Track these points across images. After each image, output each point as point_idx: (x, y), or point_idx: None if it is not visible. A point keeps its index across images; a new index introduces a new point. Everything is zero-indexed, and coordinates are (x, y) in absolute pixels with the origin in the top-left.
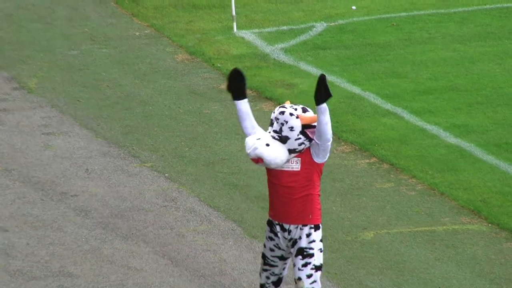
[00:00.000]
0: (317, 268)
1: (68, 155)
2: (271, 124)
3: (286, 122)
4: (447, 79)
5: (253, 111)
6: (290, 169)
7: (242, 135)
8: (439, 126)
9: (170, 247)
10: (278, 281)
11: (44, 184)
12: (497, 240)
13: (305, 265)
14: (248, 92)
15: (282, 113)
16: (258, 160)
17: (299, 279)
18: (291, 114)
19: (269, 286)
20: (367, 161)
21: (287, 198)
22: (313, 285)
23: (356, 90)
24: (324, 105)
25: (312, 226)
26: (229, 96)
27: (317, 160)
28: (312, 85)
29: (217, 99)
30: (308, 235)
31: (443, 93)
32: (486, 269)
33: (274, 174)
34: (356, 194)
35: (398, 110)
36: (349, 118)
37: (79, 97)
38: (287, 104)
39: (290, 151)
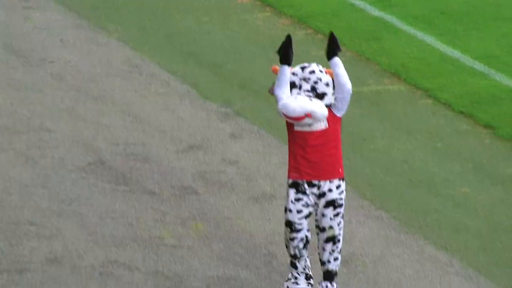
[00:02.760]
0: (343, 216)
1: (45, 26)
2: (296, 87)
3: (320, 79)
4: None
5: None
6: (319, 129)
7: (198, 10)
8: (365, 1)
9: (134, 106)
10: (306, 243)
11: (25, 52)
12: (414, 99)
13: (336, 215)
14: None
15: (313, 72)
16: (307, 115)
17: (331, 227)
18: (321, 71)
19: (301, 254)
20: (304, 32)
21: (319, 156)
22: (340, 231)
23: None
24: (337, 59)
25: (341, 178)
26: None
27: (339, 113)
28: None
29: None
30: (338, 187)
31: None
32: (404, 123)
33: (302, 136)
34: (295, 60)
35: None
36: None
37: None
38: (307, 64)
39: (326, 106)
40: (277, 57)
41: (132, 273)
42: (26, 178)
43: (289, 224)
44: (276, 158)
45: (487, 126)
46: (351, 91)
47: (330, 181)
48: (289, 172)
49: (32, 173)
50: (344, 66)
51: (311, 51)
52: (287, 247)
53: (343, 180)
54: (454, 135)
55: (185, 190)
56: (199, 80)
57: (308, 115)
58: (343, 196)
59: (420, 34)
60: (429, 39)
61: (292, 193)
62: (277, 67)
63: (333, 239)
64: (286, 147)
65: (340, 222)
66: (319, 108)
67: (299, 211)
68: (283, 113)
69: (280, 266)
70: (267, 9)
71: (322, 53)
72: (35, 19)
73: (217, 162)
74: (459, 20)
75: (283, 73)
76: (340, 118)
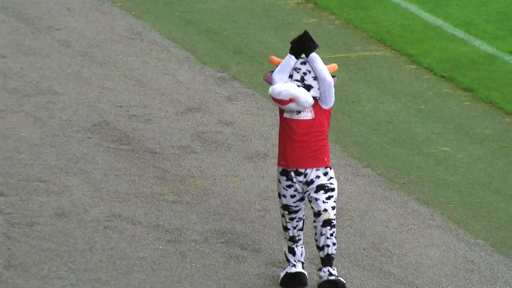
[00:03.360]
0: (335, 201)
1: None
2: (290, 76)
3: (309, 71)
4: None
5: None
6: (305, 118)
7: None
8: None
9: (137, 71)
10: (302, 225)
11: (34, 19)
12: (398, 63)
13: (328, 198)
14: None
15: (304, 63)
16: (290, 100)
17: (325, 210)
18: None
19: (299, 235)
20: (296, 1)
21: (304, 145)
22: (334, 216)
23: None
24: (314, 54)
25: (327, 166)
26: None
27: (325, 106)
28: None
29: None
30: (326, 174)
31: None
32: (389, 86)
33: (292, 125)
34: (287, 28)
35: None
36: None
37: None
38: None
39: (313, 98)
40: (272, 28)
41: (135, 227)
42: (35, 137)
43: (286, 208)
44: (270, 119)
45: (467, 89)
46: (332, 84)
47: (316, 169)
48: (278, 159)
49: (41, 133)
50: (334, 33)
51: (302, 19)
52: (285, 229)
53: (330, 168)
54: (436, 97)
55: (184, 149)
56: (197, 47)
57: (292, 99)
58: (333, 181)
59: (404, 3)
60: (413, 7)
61: (283, 180)
62: (274, 57)
63: (329, 223)
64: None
65: (334, 206)
66: (303, 94)
67: (292, 196)
68: (271, 96)
69: (273, 220)
70: None
71: (313, 20)
72: None
73: (214, 123)
74: None
75: (289, 62)
76: (326, 111)
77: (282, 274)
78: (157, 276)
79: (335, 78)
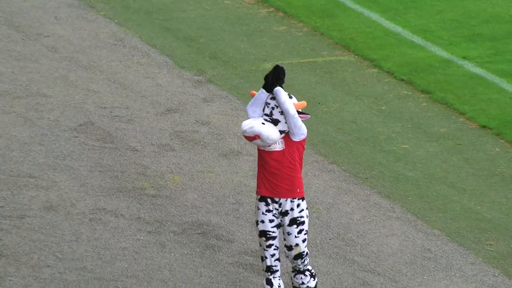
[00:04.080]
0: (307, 232)
1: (41, 6)
2: (263, 110)
3: (277, 106)
4: None
5: None
6: (276, 149)
7: None
8: None
9: (119, 75)
10: (279, 255)
11: (24, 27)
12: (361, 68)
13: (299, 232)
14: None
15: (273, 98)
16: (255, 137)
17: (297, 245)
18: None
19: (276, 266)
20: (267, 10)
21: (277, 174)
22: (306, 247)
23: None
24: (278, 88)
25: (300, 198)
26: None
27: (294, 138)
28: None
29: None
30: (298, 206)
31: None
32: (352, 89)
33: (264, 156)
34: (258, 35)
35: None
36: None
37: None
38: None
39: (281, 132)
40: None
41: (118, 219)
42: (25, 136)
43: (264, 234)
44: (243, 119)
45: (424, 91)
46: (295, 116)
47: (291, 200)
48: (256, 188)
49: (31, 132)
50: (302, 40)
51: (272, 26)
52: (263, 259)
53: (303, 199)
54: (396, 99)
55: (163, 147)
56: (176, 52)
57: (256, 136)
58: (303, 213)
59: (366, 12)
60: (374, 16)
61: (262, 205)
62: (255, 92)
63: (300, 256)
64: None
65: (305, 239)
66: (266, 131)
67: (271, 221)
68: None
69: (246, 213)
70: None
71: (282, 28)
72: None
73: (191, 123)
74: None
75: (260, 97)
76: (297, 143)
77: None
78: (139, 264)
79: (307, 115)
